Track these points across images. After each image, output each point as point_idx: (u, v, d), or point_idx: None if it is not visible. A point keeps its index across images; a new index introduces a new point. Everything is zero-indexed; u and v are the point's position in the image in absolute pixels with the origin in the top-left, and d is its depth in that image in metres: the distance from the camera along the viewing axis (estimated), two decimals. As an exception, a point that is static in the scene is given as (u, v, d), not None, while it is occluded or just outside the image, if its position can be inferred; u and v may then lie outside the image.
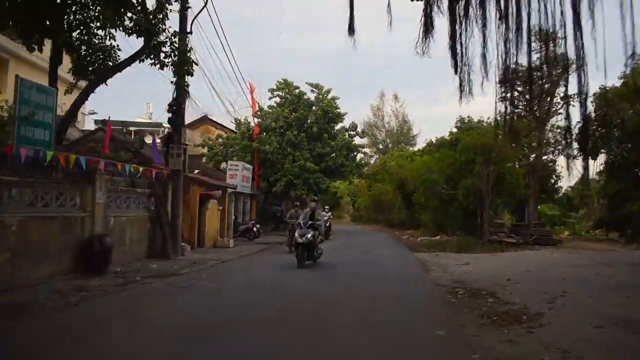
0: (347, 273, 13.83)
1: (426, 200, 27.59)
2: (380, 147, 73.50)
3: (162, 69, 16.00)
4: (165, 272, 12.93)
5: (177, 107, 16.94)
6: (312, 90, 36.71)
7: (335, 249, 20.13)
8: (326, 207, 29.08)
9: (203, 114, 39.77)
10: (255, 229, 26.33)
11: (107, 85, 17.35)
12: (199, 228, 20.59)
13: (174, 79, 15.95)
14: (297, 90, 35.99)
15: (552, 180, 35.19)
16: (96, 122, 20.29)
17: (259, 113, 35.27)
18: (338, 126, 37.02)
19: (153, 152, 16.99)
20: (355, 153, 37.70)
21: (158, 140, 20.04)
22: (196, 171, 24.05)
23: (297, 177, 32.57)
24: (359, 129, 38.58)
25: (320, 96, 36.26)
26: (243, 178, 26.20)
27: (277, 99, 36.78)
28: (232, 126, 36.87)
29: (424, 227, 33.33)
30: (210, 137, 35.48)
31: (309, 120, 34.75)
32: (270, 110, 35.65)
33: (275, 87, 36.61)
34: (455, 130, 36.98)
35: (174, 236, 16.53)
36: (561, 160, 35.88)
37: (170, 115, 17.13)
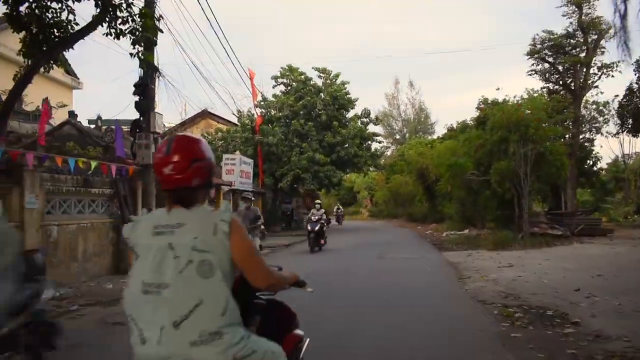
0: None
1: (451, 190, 24.14)
2: (397, 137, 69.83)
3: (118, 39, 12.93)
4: (119, 295, 9.85)
5: (144, 87, 13.89)
6: (319, 76, 33.48)
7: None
8: (317, 201, 21.58)
9: (203, 108, 36.95)
10: (258, 230, 23.24)
11: (57, 65, 14.42)
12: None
13: (134, 52, 12.80)
14: (302, 76, 32.78)
15: (590, 162, 31.47)
16: (70, 114, 17.32)
17: (262, 103, 32.18)
18: (350, 114, 33.76)
19: (117, 144, 13.93)
20: (369, 142, 34.31)
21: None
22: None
23: (306, 170, 29.33)
24: (373, 116, 35.03)
25: (329, 81, 32.99)
26: (242, 173, 23.06)
27: (282, 87, 33.67)
28: (236, 120, 33.75)
29: (449, 220, 29.95)
30: (209, 132, 32.42)
31: (316, 108, 31.47)
32: (273, 100, 32.54)
33: (279, 74, 33.44)
34: (477, 113, 33.44)
35: (146, 245, 13.48)
36: (599, 140, 32.39)
37: (137, 98, 14.08)
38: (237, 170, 22.51)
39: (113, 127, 18.11)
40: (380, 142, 37.21)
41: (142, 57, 12.86)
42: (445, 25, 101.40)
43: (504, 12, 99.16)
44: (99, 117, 18.86)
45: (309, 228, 18.20)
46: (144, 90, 13.89)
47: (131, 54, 12.68)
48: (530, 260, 13.54)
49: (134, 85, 14.02)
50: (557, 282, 9.84)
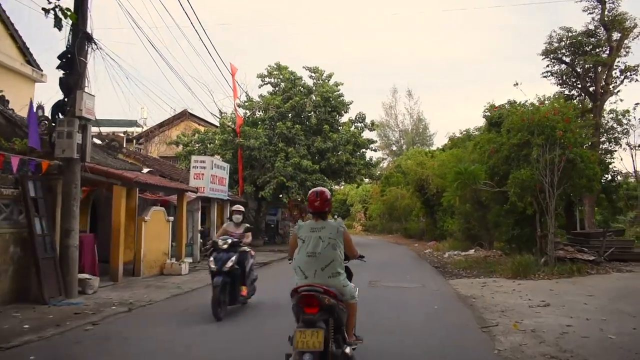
0: None
1: (457, 203, 20.87)
2: (394, 148, 66.79)
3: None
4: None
5: (70, 57, 10.72)
6: (310, 75, 30.29)
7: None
8: (236, 207, 9.97)
9: (183, 109, 34.01)
10: (230, 245, 19.89)
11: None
12: (137, 248, 14.37)
13: (49, 7, 9.58)
14: (292, 75, 29.59)
15: (609, 177, 28.27)
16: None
17: (245, 103, 29.04)
18: (343, 118, 30.53)
19: (30, 130, 10.71)
20: (364, 149, 31.00)
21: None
22: (145, 170, 17.85)
23: (291, 178, 26.07)
24: (368, 121, 31.68)
25: (320, 81, 29.81)
26: (214, 178, 19.81)
27: (269, 87, 30.47)
28: (217, 122, 30.56)
29: (451, 238, 26.73)
30: (185, 133, 29.21)
31: (306, 110, 28.26)
32: (258, 100, 29.37)
33: (266, 73, 30.26)
34: (485, 118, 30.23)
35: (63, 265, 10.22)
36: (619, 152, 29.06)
37: (61, 73, 10.90)
38: (207, 174, 19.26)
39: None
40: (375, 150, 33.86)
41: (65, 15, 9.51)
42: (446, 37, 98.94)
43: (507, 27, 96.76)
44: (40, 106, 15.58)
45: (213, 266, 8.62)
46: (70, 63, 10.73)
47: (45, 10, 9.32)
48: (567, 295, 10.34)
49: (58, 57, 10.86)
50: (631, 339, 6.65)
